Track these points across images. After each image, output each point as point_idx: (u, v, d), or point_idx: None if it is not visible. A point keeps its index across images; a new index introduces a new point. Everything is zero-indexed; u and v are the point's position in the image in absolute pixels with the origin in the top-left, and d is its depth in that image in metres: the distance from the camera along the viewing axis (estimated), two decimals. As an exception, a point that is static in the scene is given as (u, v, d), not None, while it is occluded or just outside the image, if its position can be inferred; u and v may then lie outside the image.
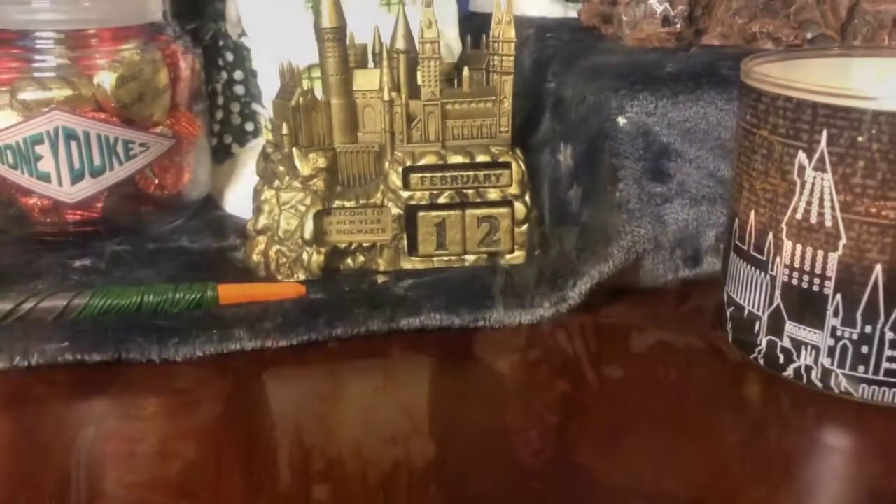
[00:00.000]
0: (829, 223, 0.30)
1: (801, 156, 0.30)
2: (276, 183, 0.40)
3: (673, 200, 0.40)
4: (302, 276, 0.40)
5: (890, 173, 0.28)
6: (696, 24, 0.48)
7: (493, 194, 0.41)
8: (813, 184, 0.30)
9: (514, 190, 0.41)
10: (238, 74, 0.54)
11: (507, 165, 0.40)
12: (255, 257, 0.40)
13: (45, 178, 0.43)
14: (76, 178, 0.44)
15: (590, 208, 0.39)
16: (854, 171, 0.29)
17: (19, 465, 0.29)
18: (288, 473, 0.29)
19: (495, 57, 0.41)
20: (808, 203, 0.30)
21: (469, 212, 0.41)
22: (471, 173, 0.40)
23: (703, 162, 0.40)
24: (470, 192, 0.40)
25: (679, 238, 0.40)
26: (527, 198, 0.41)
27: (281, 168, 0.41)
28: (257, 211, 0.41)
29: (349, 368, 0.35)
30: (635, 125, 0.40)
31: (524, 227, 0.41)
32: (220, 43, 0.54)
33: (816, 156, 0.30)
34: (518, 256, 0.41)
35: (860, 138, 0.29)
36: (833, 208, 0.30)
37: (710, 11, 0.48)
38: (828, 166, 0.29)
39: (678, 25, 0.46)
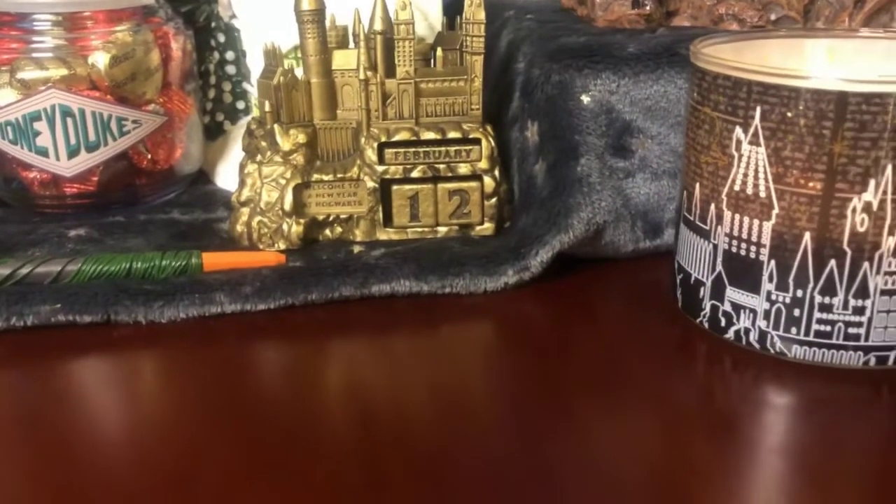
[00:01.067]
0: (763, 194, 0.32)
1: (738, 131, 0.32)
2: (259, 157, 0.43)
3: (635, 175, 0.42)
4: (282, 246, 0.42)
5: (816, 147, 0.30)
6: (667, 5, 0.49)
7: (463, 169, 0.43)
8: (749, 157, 0.32)
9: (483, 165, 0.43)
10: (230, 55, 0.56)
11: (476, 141, 0.43)
12: (238, 228, 0.43)
13: (44, 152, 0.46)
14: (72, 152, 0.46)
15: (553, 182, 0.41)
16: (784, 145, 0.31)
17: (16, 415, 0.32)
18: (258, 425, 0.31)
19: (467, 38, 0.43)
20: (745, 175, 0.32)
21: (441, 185, 0.43)
22: (442, 149, 0.43)
23: (665, 138, 0.42)
24: (441, 166, 0.43)
25: (641, 211, 0.43)
26: (496, 172, 0.43)
27: (263, 143, 0.43)
28: (241, 184, 0.43)
29: (324, 332, 0.38)
30: (598, 103, 0.42)
31: (493, 200, 0.43)
32: (213, 24, 0.56)
33: (751, 131, 0.32)
34: (488, 228, 0.44)
35: (789, 114, 0.31)
36: (766, 180, 0.32)
37: (681, -7, 0.49)
38: (761, 140, 0.32)
39: (647, 7, 0.48)
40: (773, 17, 0.47)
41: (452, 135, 0.43)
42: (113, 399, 0.34)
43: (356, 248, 0.43)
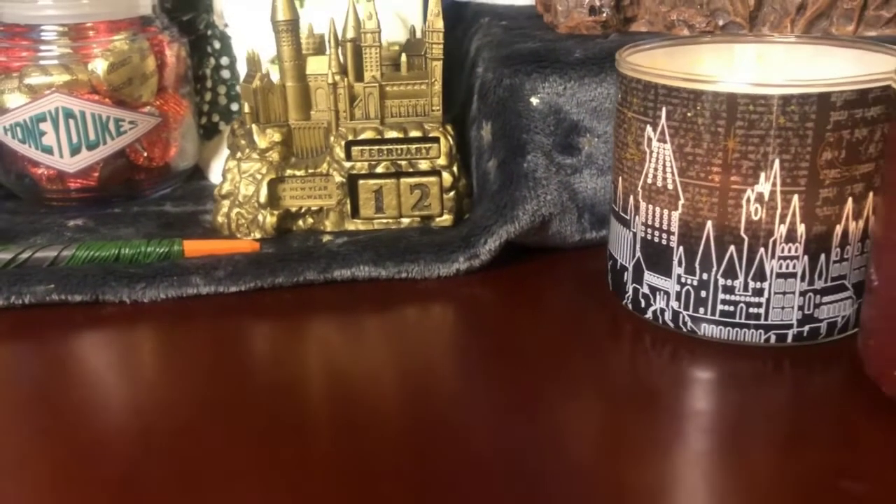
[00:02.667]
0: (670, 186, 0.35)
1: (649, 129, 0.36)
2: (239, 154, 0.47)
3: (583, 171, 0.46)
4: (258, 235, 0.47)
5: (713, 143, 0.34)
6: (625, 12, 0.53)
7: (423, 165, 0.47)
8: (658, 153, 0.35)
9: (442, 161, 0.47)
10: (224, 60, 0.61)
11: (436, 140, 0.46)
12: (219, 218, 0.47)
13: (49, 150, 0.51)
14: (74, 150, 0.51)
15: (502, 177, 0.45)
16: (686, 142, 0.34)
17: (15, 383, 0.37)
18: (231, 393, 0.35)
19: (429, 45, 0.47)
20: (655, 170, 0.36)
21: (403, 180, 0.47)
22: (404, 146, 0.46)
23: (610, 137, 0.46)
24: (403, 163, 0.47)
25: (588, 204, 0.46)
26: (454, 168, 0.47)
27: (242, 142, 0.47)
28: (222, 179, 0.47)
29: (291, 312, 0.42)
30: (547, 104, 0.45)
31: (451, 193, 0.47)
32: (209, 32, 0.61)
33: (659, 129, 0.35)
34: (447, 220, 0.47)
35: (689, 114, 0.34)
36: (672, 173, 0.35)
37: (639, 1, 0.53)
38: (667, 138, 0.35)
39: (604, 14, 0.51)
40: (720, 22, 0.50)
41: (414, 134, 0.46)
42: (100, 369, 0.38)
43: (325, 238, 0.47)
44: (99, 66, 0.50)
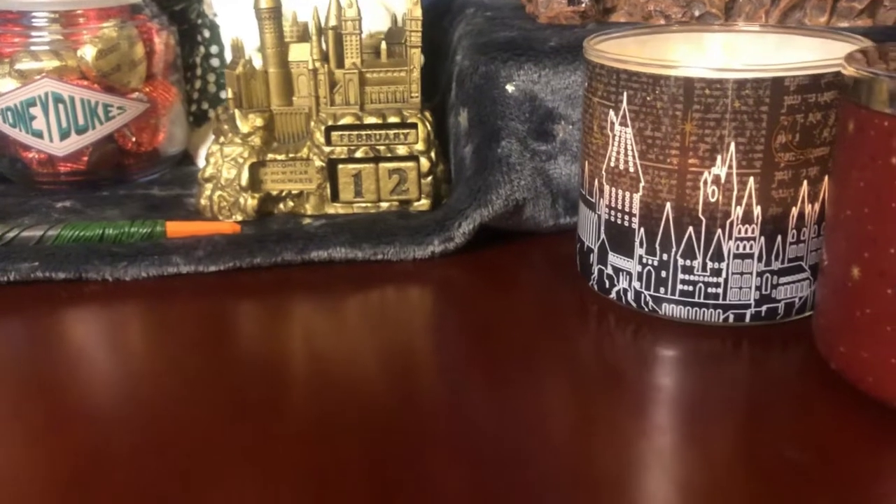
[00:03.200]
0: (632, 169, 0.36)
1: (612, 114, 0.37)
2: (222, 139, 0.48)
3: (557, 157, 0.47)
4: (239, 218, 0.48)
5: (671, 127, 0.35)
6: (605, 2, 0.54)
7: (402, 150, 0.48)
8: (620, 137, 0.36)
9: (420, 147, 0.48)
10: (214, 49, 0.62)
11: (413, 126, 0.47)
12: (202, 201, 0.48)
13: (39, 134, 0.52)
14: (64, 135, 0.52)
15: (477, 162, 0.46)
16: (646, 125, 0.35)
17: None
18: (210, 368, 0.36)
19: (407, 33, 0.48)
20: (618, 153, 0.37)
21: (381, 165, 0.48)
22: (383, 132, 0.47)
23: (585, 124, 0.47)
24: (382, 148, 0.48)
25: (563, 189, 0.47)
26: (432, 154, 0.48)
27: (226, 126, 0.48)
28: (206, 162, 0.49)
29: (269, 291, 0.43)
30: (523, 92, 0.46)
31: (429, 178, 0.48)
32: (199, 21, 0.62)
33: (621, 113, 0.36)
34: (425, 204, 0.49)
35: (648, 98, 0.35)
36: (633, 157, 0.36)
37: (619, -8, 0.54)
38: (628, 122, 0.36)
39: (583, 4, 0.52)
40: (696, 13, 0.51)
41: (392, 119, 0.47)
42: (83, 343, 0.40)
43: (305, 221, 0.48)
44: (88, 52, 0.51)
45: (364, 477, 0.28)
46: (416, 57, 0.48)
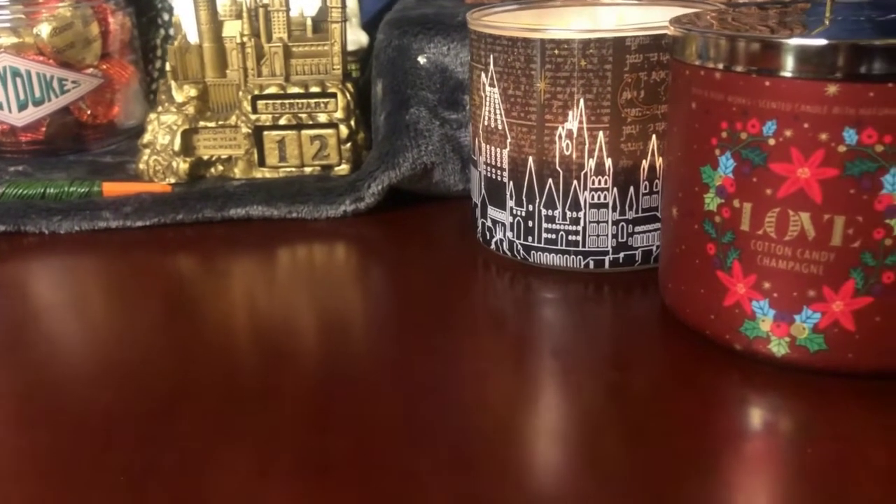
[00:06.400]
0: (500, 127, 0.40)
1: (483, 76, 0.40)
2: (160, 108, 0.52)
3: (467, 126, 0.50)
4: (172, 180, 0.52)
5: (528, 86, 0.38)
6: (527, -16, 0.57)
7: (322, 118, 0.51)
8: (489, 97, 0.40)
9: (339, 115, 0.51)
10: (172, 31, 0.66)
11: (333, 95, 0.51)
12: (141, 165, 0.52)
13: (0, 106, 0.57)
14: (22, 106, 0.57)
15: (387, 128, 0.49)
16: (509, 85, 0.38)
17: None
18: (139, 315, 0.40)
19: (330, 9, 0.51)
20: (489, 112, 0.40)
21: (303, 132, 0.52)
22: (305, 101, 0.51)
23: (493, 94, 0.50)
24: (304, 116, 0.51)
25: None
26: (351, 122, 0.52)
27: (163, 97, 0.52)
28: (144, 129, 0.53)
29: (191, 245, 0.46)
30: (433, 63, 0.50)
31: (348, 145, 0.52)
32: (160, 5, 0.66)
33: (489, 75, 0.39)
34: (344, 169, 0.52)
35: (509, 59, 0.38)
36: (501, 115, 0.39)
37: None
38: (496, 83, 0.39)
39: (504, -15, 0.56)
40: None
41: (314, 89, 0.51)
42: (20, 288, 0.44)
43: (234, 184, 0.51)
44: (43, 29, 0.55)
45: (301, 403, 0.32)
46: (338, 31, 0.51)
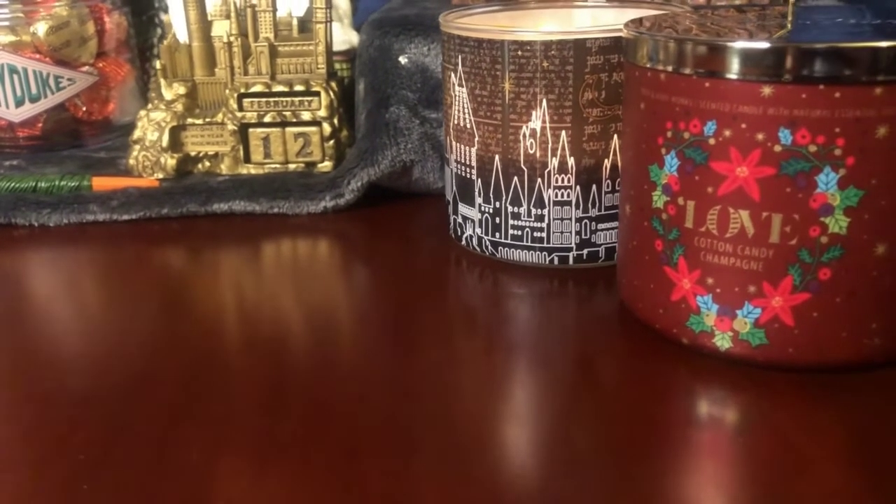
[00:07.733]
0: (469, 126, 0.41)
1: (453, 76, 0.41)
2: (149, 105, 0.54)
3: (447, 124, 0.51)
4: (160, 176, 0.53)
5: (493, 86, 0.39)
6: (512, -14, 0.58)
7: (306, 116, 0.53)
8: (458, 96, 0.41)
9: (322, 113, 0.52)
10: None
11: (317, 94, 0.52)
12: (131, 161, 0.54)
13: (-3, 102, 0.58)
14: (18, 102, 0.58)
15: (367, 126, 0.50)
16: (476, 85, 0.40)
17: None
18: (123, 304, 0.42)
19: (315, 10, 0.53)
20: (458, 111, 0.41)
21: (287, 129, 0.53)
22: (289, 99, 0.52)
23: (472, 94, 0.51)
24: (288, 113, 0.53)
25: (452, 154, 0.51)
26: (335, 120, 0.53)
27: (153, 94, 0.54)
28: (134, 126, 0.54)
29: (176, 238, 0.48)
30: (414, 63, 0.51)
31: (331, 142, 0.53)
32: (157, 5, 0.68)
33: (458, 75, 0.40)
34: (327, 166, 0.53)
35: (476, 60, 0.39)
36: (469, 114, 0.40)
37: (527, -24, 0.58)
38: (464, 83, 0.40)
39: (488, -13, 0.57)
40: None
41: (298, 88, 0.52)
42: (10, 277, 0.45)
43: (219, 180, 0.53)
44: (40, 28, 0.57)
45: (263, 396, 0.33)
46: (322, 31, 0.53)
